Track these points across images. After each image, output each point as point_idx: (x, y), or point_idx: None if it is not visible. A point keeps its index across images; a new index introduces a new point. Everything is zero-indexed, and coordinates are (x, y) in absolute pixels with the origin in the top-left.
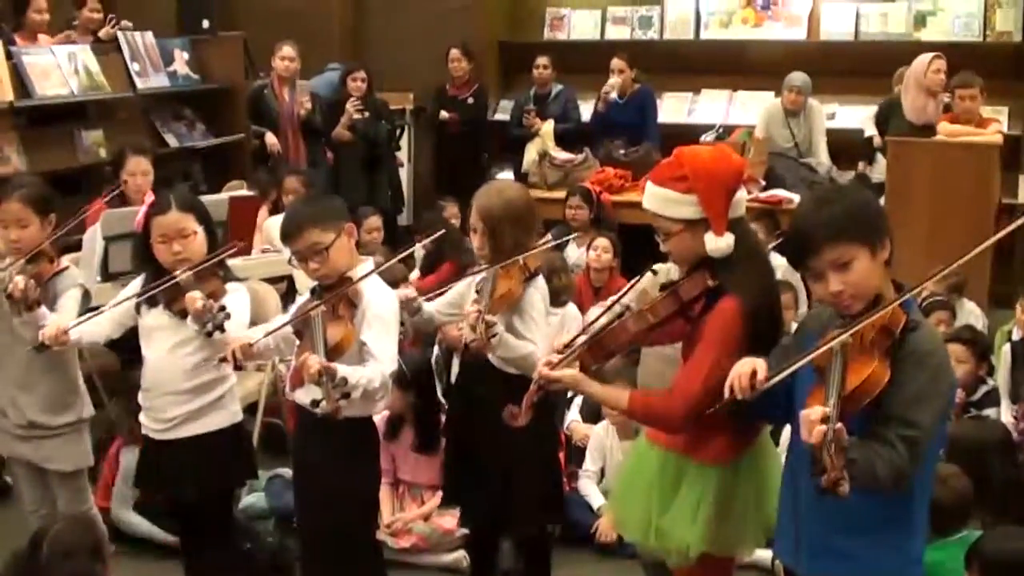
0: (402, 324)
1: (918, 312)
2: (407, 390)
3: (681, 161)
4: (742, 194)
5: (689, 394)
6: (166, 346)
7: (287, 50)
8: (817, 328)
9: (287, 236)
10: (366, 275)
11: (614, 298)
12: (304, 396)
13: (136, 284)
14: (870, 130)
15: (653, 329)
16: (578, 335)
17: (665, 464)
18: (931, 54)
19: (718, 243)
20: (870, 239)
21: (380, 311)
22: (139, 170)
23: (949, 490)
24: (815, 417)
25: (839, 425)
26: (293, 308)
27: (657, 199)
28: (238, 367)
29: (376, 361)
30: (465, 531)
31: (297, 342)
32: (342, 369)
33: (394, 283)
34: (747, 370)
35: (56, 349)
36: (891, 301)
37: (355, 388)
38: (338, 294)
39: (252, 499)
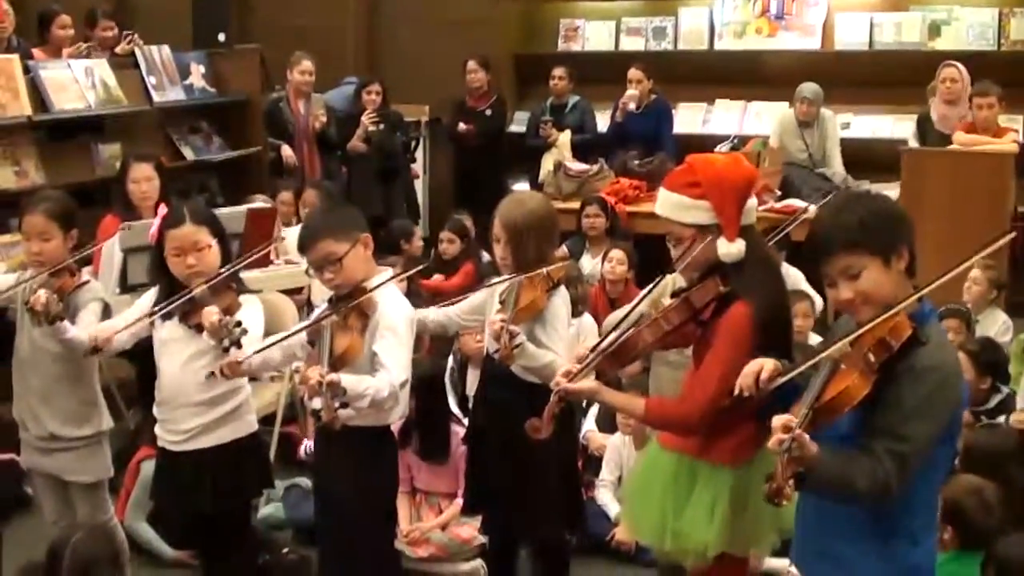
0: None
1: (935, 328)
2: (411, 397)
3: (694, 168)
4: (753, 202)
5: (703, 399)
6: (181, 358)
7: (306, 64)
8: (840, 335)
9: (303, 246)
10: (379, 284)
11: (629, 306)
12: (317, 405)
13: (150, 296)
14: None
15: (668, 335)
16: (596, 345)
17: (679, 467)
18: (945, 63)
19: (730, 249)
20: (883, 249)
21: (392, 321)
22: (142, 176)
23: (989, 514)
24: (777, 425)
25: (799, 432)
26: (306, 321)
27: (670, 205)
28: (253, 377)
29: (386, 371)
30: (483, 540)
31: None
32: (346, 379)
33: None
34: (754, 369)
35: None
36: (878, 317)
37: (361, 397)
38: (349, 304)
39: (270, 509)
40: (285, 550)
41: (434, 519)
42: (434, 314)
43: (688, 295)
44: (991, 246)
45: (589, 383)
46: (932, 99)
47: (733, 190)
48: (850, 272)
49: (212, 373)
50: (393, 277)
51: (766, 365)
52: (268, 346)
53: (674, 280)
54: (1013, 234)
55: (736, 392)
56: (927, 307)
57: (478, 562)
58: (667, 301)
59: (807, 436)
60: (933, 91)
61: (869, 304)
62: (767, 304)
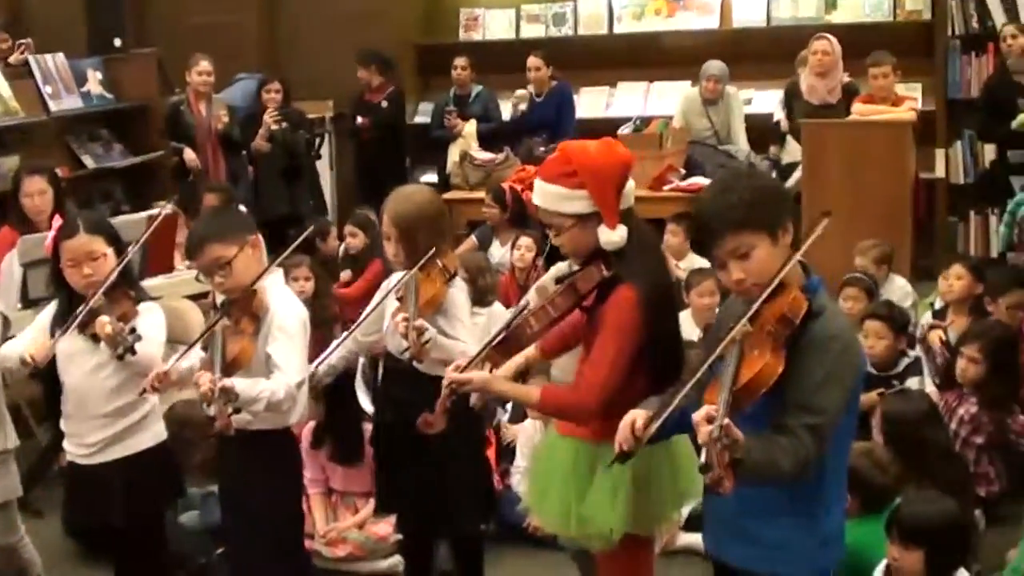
0: None
1: (824, 298)
2: (319, 401)
3: (569, 157)
4: (631, 185)
5: (596, 386)
6: (85, 369)
7: (204, 64)
8: (730, 319)
9: (190, 252)
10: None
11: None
12: (212, 412)
13: (50, 309)
14: (778, 114)
15: (555, 322)
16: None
17: (578, 452)
18: (817, 35)
19: (612, 236)
20: (769, 226)
21: (285, 323)
22: (35, 190)
23: (882, 472)
24: (699, 419)
25: (726, 422)
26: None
27: (548, 196)
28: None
29: (281, 372)
30: (400, 536)
31: None
32: (239, 383)
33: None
34: (628, 422)
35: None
36: (762, 289)
37: (255, 401)
38: (239, 307)
39: (187, 517)
40: (220, 550)
41: (351, 518)
42: (334, 359)
43: (572, 281)
44: (814, 233)
45: (479, 374)
46: (801, 70)
47: (610, 177)
48: (739, 252)
49: (143, 391)
50: (268, 269)
51: (637, 417)
52: (188, 350)
53: (558, 267)
54: (827, 218)
55: (617, 450)
56: (815, 279)
57: (396, 558)
58: (553, 289)
59: (730, 423)
60: (803, 62)
61: (760, 283)
62: (651, 286)
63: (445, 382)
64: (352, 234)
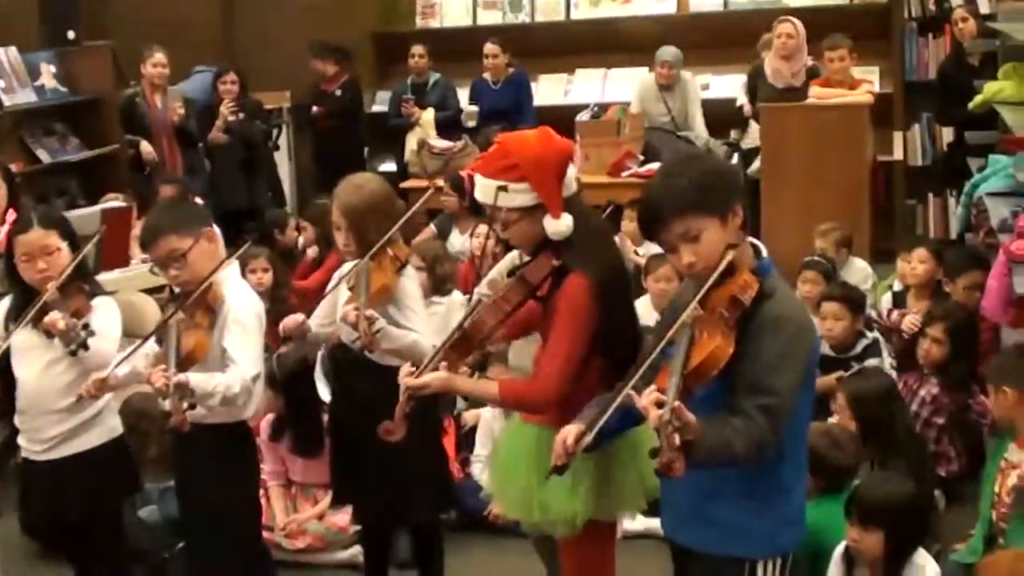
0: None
1: (775, 279)
2: (279, 393)
3: (508, 151)
4: (572, 172)
5: (553, 376)
6: (39, 365)
7: (158, 56)
8: (682, 304)
9: (144, 245)
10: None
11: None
12: (167, 407)
13: (4, 304)
14: (741, 98)
15: (510, 315)
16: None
17: (540, 440)
18: (781, 18)
19: (558, 226)
20: (719, 208)
21: (240, 316)
22: None
23: (840, 451)
24: (647, 403)
25: (677, 404)
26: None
27: (491, 191)
28: None
29: (236, 366)
30: (359, 527)
31: None
32: (194, 378)
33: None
34: (560, 439)
35: None
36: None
37: (211, 396)
38: (195, 301)
39: (146, 512)
40: (181, 545)
41: (310, 510)
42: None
43: (523, 273)
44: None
45: (436, 375)
46: (765, 53)
47: (551, 167)
48: (689, 235)
49: (80, 397)
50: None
51: (569, 434)
52: (134, 350)
53: (509, 258)
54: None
55: (552, 463)
56: (766, 261)
57: (356, 549)
58: (505, 282)
59: (683, 406)
60: (767, 45)
61: (711, 266)
62: (602, 272)
63: (402, 388)
64: (303, 228)
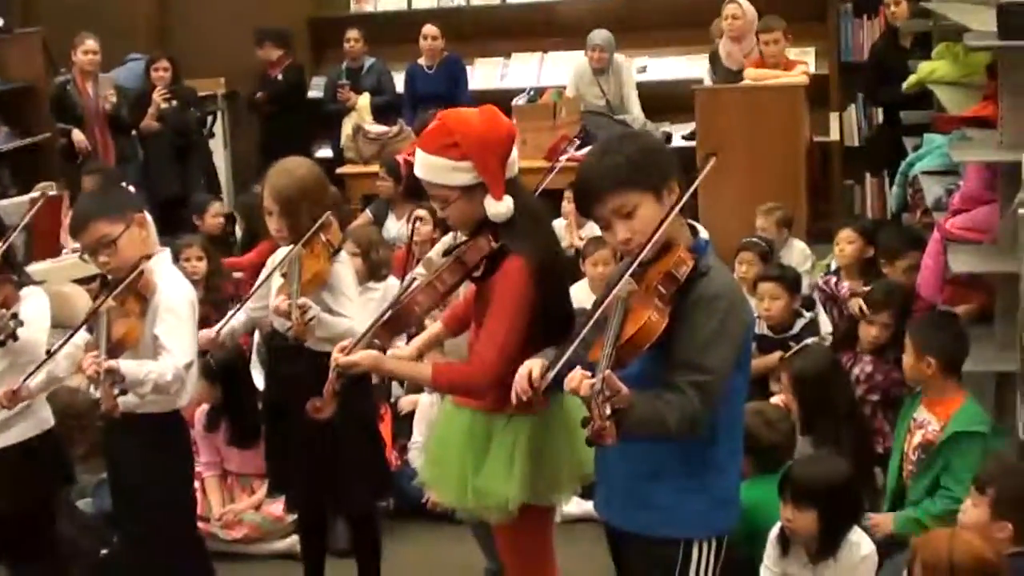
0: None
1: (711, 258)
2: (214, 383)
3: (451, 128)
4: (514, 154)
5: (489, 360)
6: None
7: (89, 43)
8: (617, 280)
9: (74, 231)
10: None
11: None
12: (97, 394)
13: None
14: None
15: (444, 296)
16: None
17: (473, 424)
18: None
19: (498, 207)
20: (654, 184)
21: (172, 303)
22: None
23: (773, 430)
24: (579, 373)
25: (607, 372)
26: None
27: (431, 168)
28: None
29: (168, 354)
30: (296, 516)
31: None
32: (125, 365)
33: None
34: (524, 372)
35: None
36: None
37: (142, 383)
38: (126, 288)
39: (81, 505)
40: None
41: (247, 500)
42: (236, 322)
43: (459, 254)
44: (702, 173)
45: (367, 354)
46: (718, 38)
47: (495, 148)
48: (623, 211)
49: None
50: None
51: (534, 367)
52: (70, 336)
53: (445, 240)
54: (714, 158)
55: (514, 400)
56: (702, 240)
57: (294, 538)
58: (441, 262)
59: (615, 376)
60: (719, 29)
61: (646, 242)
62: (540, 255)
63: (332, 365)
64: (215, 215)
